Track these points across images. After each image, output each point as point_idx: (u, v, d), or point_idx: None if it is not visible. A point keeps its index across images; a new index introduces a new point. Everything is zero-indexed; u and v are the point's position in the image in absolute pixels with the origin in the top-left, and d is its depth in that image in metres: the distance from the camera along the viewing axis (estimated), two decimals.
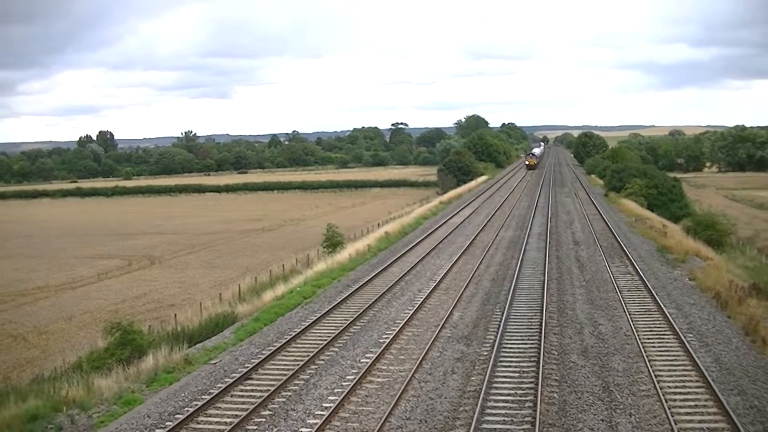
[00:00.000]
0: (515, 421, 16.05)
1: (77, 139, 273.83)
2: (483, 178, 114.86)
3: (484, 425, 15.85)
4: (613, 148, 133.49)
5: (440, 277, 32.44)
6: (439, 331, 23.52)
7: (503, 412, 16.61)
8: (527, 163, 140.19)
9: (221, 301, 33.33)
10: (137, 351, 22.64)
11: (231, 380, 19.29)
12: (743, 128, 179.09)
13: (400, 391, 17.87)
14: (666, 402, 16.75)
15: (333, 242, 47.97)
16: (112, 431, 16.55)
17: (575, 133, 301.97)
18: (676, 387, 17.86)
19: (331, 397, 17.91)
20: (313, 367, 20.51)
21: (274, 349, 22.04)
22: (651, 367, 19.24)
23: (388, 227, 54.80)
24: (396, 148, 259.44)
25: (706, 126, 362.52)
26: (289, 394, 18.36)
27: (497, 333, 22.63)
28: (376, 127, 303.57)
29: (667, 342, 21.68)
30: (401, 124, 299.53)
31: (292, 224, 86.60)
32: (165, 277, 52.29)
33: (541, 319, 24.04)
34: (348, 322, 24.90)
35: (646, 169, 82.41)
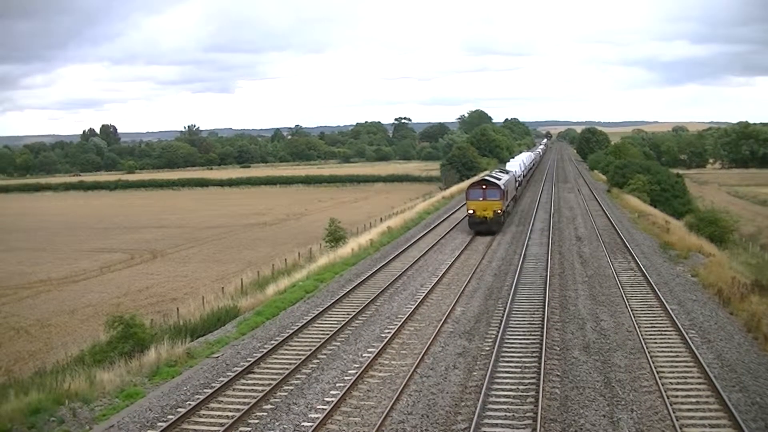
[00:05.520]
0: (517, 417, 16.06)
1: (80, 132, 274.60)
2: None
3: (486, 420, 15.86)
4: (616, 144, 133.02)
5: (442, 272, 32.41)
6: (441, 326, 23.53)
7: (505, 407, 16.62)
8: (471, 211, 45.42)
9: (223, 295, 33.31)
10: (139, 344, 22.65)
11: (233, 374, 19.29)
12: (747, 125, 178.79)
13: (402, 386, 17.88)
14: (668, 398, 16.74)
15: (335, 237, 48.01)
16: (114, 424, 16.58)
17: (578, 129, 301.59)
18: (677, 383, 17.85)
19: (333, 392, 17.93)
20: (315, 361, 20.53)
21: (276, 343, 22.06)
22: (653, 363, 19.23)
23: (390, 222, 54.82)
24: (399, 143, 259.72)
25: (710, 122, 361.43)
26: (291, 388, 18.38)
27: (499, 328, 22.62)
28: (378, 122, 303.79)
29: (669, 338, 21.66)
30: (404, 119, 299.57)
31: (294, 218, 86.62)
32: (167, 270, 52.34)
33: (543, 314, 24.02)
34: (350, 316, 24.92)
35: (649, 165, 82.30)
